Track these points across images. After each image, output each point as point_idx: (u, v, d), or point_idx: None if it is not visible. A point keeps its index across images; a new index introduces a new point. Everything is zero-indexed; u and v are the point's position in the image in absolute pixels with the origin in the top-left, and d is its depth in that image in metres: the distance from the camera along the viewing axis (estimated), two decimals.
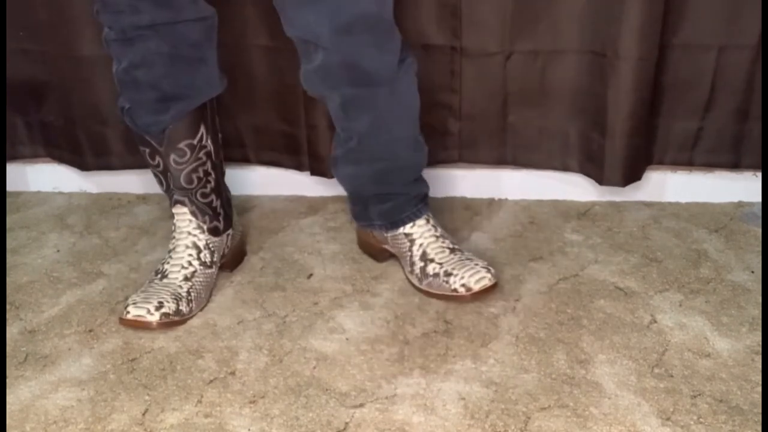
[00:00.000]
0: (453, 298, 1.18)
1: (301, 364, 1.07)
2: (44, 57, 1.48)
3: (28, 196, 1.61)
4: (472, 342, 1.11)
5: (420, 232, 1.25)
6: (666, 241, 1.37)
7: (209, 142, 1.20)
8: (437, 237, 1.25)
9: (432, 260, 1.21)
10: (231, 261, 1.31)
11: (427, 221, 1.26)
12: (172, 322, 1.15)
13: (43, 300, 1.24)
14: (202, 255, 1.22)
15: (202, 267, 1.22)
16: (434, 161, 1.52)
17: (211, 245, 1.24)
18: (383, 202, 1.25)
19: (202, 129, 1.18)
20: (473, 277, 1.17)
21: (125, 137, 1.52)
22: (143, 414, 0.99)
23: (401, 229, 1.25)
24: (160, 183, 1.23)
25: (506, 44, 1.41)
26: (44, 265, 1.34)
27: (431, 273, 1.20)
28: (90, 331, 1.16)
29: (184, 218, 1.22)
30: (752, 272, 1.27)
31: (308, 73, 1.14)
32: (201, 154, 1.19)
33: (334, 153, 1.25)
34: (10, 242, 1.42)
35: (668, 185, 1.51)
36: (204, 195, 1.22)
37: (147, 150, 1.18)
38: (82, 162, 1.56)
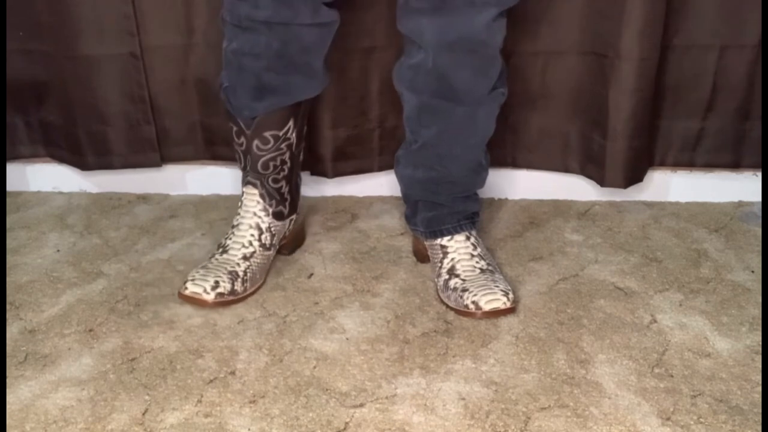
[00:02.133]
0: (465, 313, 1.17)
1: (302, 364, 1.07)
2: (44, 57, 1.48)
3: (28, 196, 1.61)
4: (472, 342, 1.11)
5: (455, 247, 1.24)
6: (666, 241, 1.37)
7: (294, 135, 1.23)
8: (472, 255, 1.24)
9: (458, 276, 1.21)
10: (290, 244, 1.35)
11: (467, 238, 1.25)
12: (226, 301, 1.19)
13: (43, 300, 1.24)
14: (263, 237, 1.26)
15: (261, 248, 1.25)
16: None
17: (272, 228, 1.27)
18: (429, 210, 1.26)
19: (290, 123, 1.21)
20: (485, 297, 1.15)
21: (125, 137, 1.52)
22: (143, 414, 0.99)
23: (438, 240, 1.26)
24: (239, 160, 1.26)
25: (506, 45, 1.40)
26: (44, 265, 1.34)
27: (451, 287, 1.20)
28: (90, 330, 1.16)
29: (253, 199, 1.26)
30: (752, 272, 1.27)
31: (403, 67, 1.16)
32: (283, 145, 1.22)
33: (398, 152, 1.27)
34: (10, 242, 1.42)
35: (668, 185, 1.51)
36: (275, 180, 1.26)
37: (234, 128, 1.22)
38: (82, 162, 1.56)
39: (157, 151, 1.54)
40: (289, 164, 1.26)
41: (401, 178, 1.28)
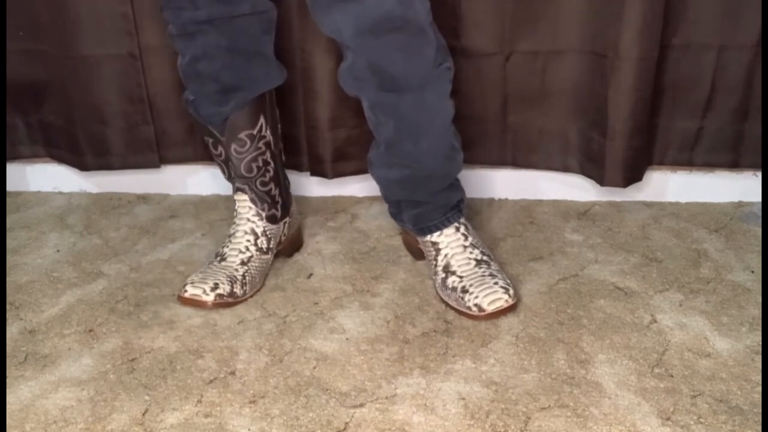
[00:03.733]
0: (468, 315, 1.16)
1: (301, 364, 1.07)
2: (44, 57, 1.48)
3: (28, 196, 1.61)
4: (472, 342, 1.11)
5: (446, 242, 1.23)
6: (666, 241, 1.37)
7: (268, 132, 1.25)
8: (465, 247, 1.23)
9: (454, 272, 1.20)
10: (287, 248, 1.35)
11: (457, 230, 1.24)
12: (226, 302, 1.20)
13: (43, 300, 1.24)
14: (259, 241, 1.27)
15: (258, 253, 1.26)
16: None
17: (268, 232, 1.28)
18: (413, 208, 1.25)
19: (262, 120, 1.23)
20: (488, 298, 1.14)
21: (125, 137, 1.52)
22: (143, 414, 0.99)
23: (428, 237, 1.25)
24: (223, 171, 1.29)
25: (506, 44, 1.41)
26: (44, 265, 1.34)
27: (450, 286, 1.19)
28: (90, 331, 1.16)
29: (244, 205, 1.28)
30: (752, 272, 1.27)
31: (341, 71, 1.15)
32: (260, 144, 1.24)
33: (369, 154, 1.26)
34: (10, 242, 1.42)
35: (668, 185, 1.51)
36: (263, 183, 1.27)
37: (210, 140, 1.24)
38: (82, 162, 1.56)
39: (156, 152, 1.54)
40: (272, 165, 1.27)
41: (377, 180, 1.27)
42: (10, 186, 1.62)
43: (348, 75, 1.14)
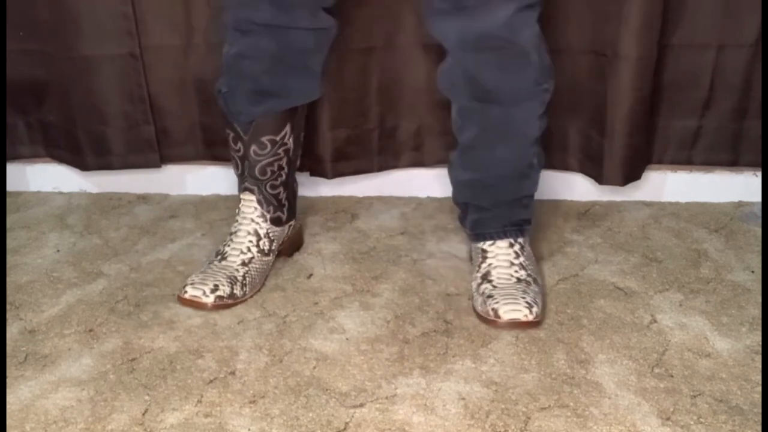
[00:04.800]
0: (485, 320, 1.15)
1: (301, 364, 1.07)
2: (44, 57, 1.48)
3: (28, 196, 1.61)
4: (472, 342, 1.11)
5: (495, 253, 1.22)
6: (666, 241, 1.37)
7: (290, 140, 1.24)
8: (511, 264, 1.21)
9: (490, 281, 1.19)
10: (288, 248, 1.35)
11: (510, 245, 1.22)
12: (225, 304, 1.19)
13: (43, 300, 1.24)
14: (261, 243, 1.26)
15: (259, 254, 1.26)
16: (434, 161, 1.53)
17: (271, 234, 1.28)
18: (475, 212, 1.25)
19: (287, 128, 1.22)
20: (507, 307, 1.13)
21: (125, 137, 1.52)
22: (143, 414, 0.99)
23: (480, 244, 1.24)
24: (236, 167, 1.27)
25: None
26: (44, 265, 1.34)
27: (480, 291, 1.18)
28: (90, 331, 1.16)
29: (250, 205, 1.27)
30: (752, 272, 1.27)
31: (441, 71, 1.16)
32: (280, 150, 1.23)
33: (450, 155, 1.26)
34: (10, 242, 1.42)
35: (668, 185, 1.51)
36: (273, 187, 1.26)
37: (231, 134, 1.23)
38: (82, 162, 1.56)
39: (157, 151, 1.54)
40: (286, 170, 1.27)
41: (451, 180, 1.27)
42: (10, 186, 1.62)
43: (445, 77, 1.16)
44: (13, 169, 1.62)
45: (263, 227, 1.27)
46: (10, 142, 1.59)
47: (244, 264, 1.24)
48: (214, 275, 1.21)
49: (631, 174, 1.44)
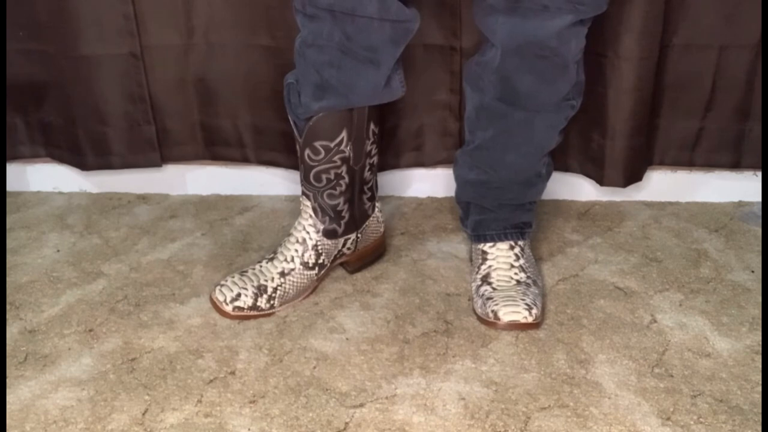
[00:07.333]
0: (485, 322, 1.15)
1: (301, 364, 1.07)
2: (44, 57, 1.48)
3: (28, 196, 1.61)
4: (472, 342, 1.11)
5: (495, 255, 1.22)
6: (666, 241, 1.37)
7: (349, 148, 1.14)
8: (511, 266, 1.20)
9: (490, 283, 1.19)
10: (354, 261, 1.28)
11: (511, 248, 1.22)
12: (246, 315, 1.16)
13: (43, 300, 1.24)
14: (306, 255, 1.20)
15: (302, 267, 1.20)
16: (434, 161, 1.52)
17: (320, 247, 1.21)
18: (477, 214, 1.24)
19: (344, 134, 1.12)
20: (506, 308, 1.13)
21: (125, 137, 1.52)
22: (143, 414, 0.99)
23: (481, 245, 1.24)
24: (299, 167, 1.19)
25: None
26: (44, 265, 1.34)
27: (480, 293, 1.18)
28: (90, 331, 1.16)
29: (306, 211, 1.20)
30: (752, 272, 1.27)
31: (472, 63, 1.14)
32: (336, 158, 1.14)
33: (457, 152, 1.25)
34: (10, 242, 1.42)
35: (668, 185, 1.51)
36: (331, 197, 1.18)
37: (295, 132, 1.15)
38: (82, 162, 1.56)
39: (157, 151, 1.54)
40: (347, 180, 1.17)
41: (456, 178, 1.26)
42: (10, 186, 1.62)
43: (477, 68, 1.13)
44: (13, 169, 1.62)
45: (313, 238, 1.20)
46: (10, 142, 1.59)
47: (282, 274, 1.18)
48: (246, 281, 1.18)
49: (632, 175, 1.44)
